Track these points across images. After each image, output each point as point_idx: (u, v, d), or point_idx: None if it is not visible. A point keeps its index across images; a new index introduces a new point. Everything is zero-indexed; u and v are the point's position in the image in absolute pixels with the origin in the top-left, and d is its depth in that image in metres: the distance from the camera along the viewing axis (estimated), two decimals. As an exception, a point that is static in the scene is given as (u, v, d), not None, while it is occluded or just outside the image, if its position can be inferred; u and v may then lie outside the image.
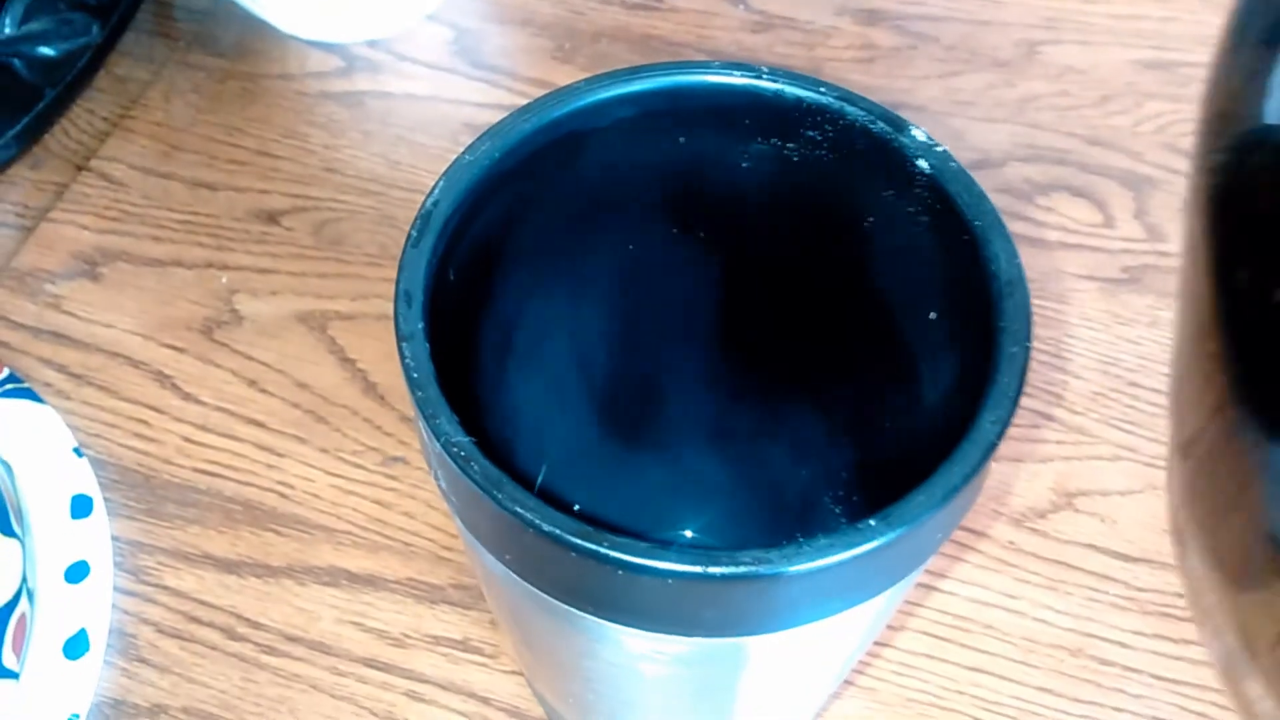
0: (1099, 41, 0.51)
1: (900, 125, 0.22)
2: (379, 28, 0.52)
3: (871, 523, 0.19)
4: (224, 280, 0.45)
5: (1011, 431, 0.40)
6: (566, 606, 0.21)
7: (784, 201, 0.25)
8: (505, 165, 0.23)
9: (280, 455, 0.40)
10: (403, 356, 0.20)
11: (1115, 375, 0.42)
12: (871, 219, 0.24)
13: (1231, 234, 0.22)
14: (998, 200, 0.46)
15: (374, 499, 0.39)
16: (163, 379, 0.42)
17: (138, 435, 0.41)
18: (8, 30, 0.45)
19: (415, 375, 0.20)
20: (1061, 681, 0.36)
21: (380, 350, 0.43)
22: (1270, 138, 0.22)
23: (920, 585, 0.37)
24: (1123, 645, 0.36)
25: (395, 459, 0.40)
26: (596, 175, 0.24)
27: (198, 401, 0.42)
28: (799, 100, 0.23)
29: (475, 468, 0.19)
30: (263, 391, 0.42)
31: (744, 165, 0.25)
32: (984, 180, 0.46)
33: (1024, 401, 0.41)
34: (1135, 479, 0.39)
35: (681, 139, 0.24)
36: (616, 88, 0.23)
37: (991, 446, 0.19)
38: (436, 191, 0.22)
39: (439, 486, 0.22)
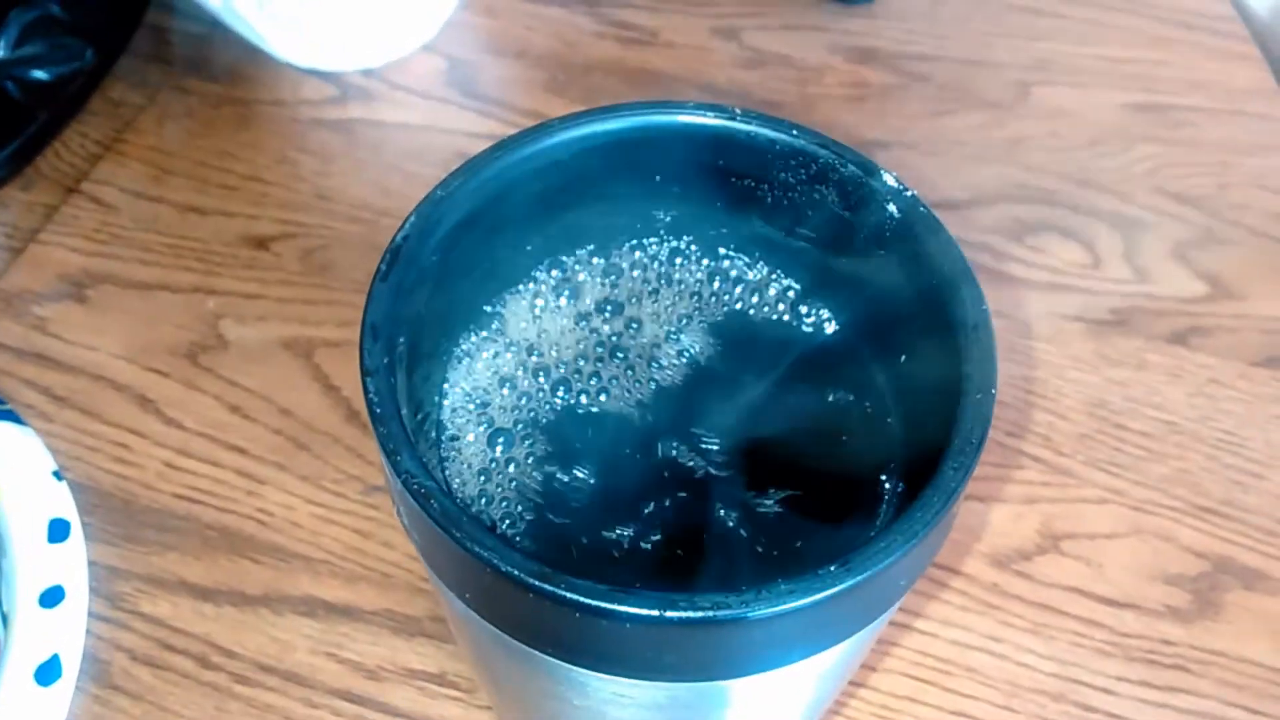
0: (1090, 84, 0.51)
1: (870, 169, 0.22)
2: (374, 57, 0.52)
3: (832, 568, 0.19)
4: (210, 305, 0.45)
5: (996, 473, 0.40)
6: (528, 649, 0.21)
7: (758, 241, 0.25)
8: (478, 201, 0.23)
9: (260, 482, 0.40)
10: (366, 391, 0.20)
11: (1102, 418, 0.41)
12: (843, 261, 0.24)
13: None
14: (987, 240, 0.46)
15: (353, 528, 0.39)
16: (145, 403, 0.42)
17: (118, 459, 0.41)
18: (1, 53, 0.45)
19: (378, 410, 0.20)
20: (1042, 727, 0.35)
21: (364, 378, 0.42)
22: None
23: (901, 627, 0.37)
24: (1107, 691, 0.36)
25: (376, 488, 0.40)
26: (570, 212, 0.24)
27: (180, 427, 0.41)
28: (771, 142, 0.23)
29: (434, 505, 0.19)
30: (245, 418, 0.42)
31: (718, 204, 0.25)
32: (972, 220, 0.47)
33: (1010, 443, 0.41)
34: (1121, 523, 0.39)
35: (656, 177, 0.24)
36: (590, 126, 0.23)
37: (954, 494, 0.19)
38: (407, 226, 0.22)
39: (401, 522, 0.21)
